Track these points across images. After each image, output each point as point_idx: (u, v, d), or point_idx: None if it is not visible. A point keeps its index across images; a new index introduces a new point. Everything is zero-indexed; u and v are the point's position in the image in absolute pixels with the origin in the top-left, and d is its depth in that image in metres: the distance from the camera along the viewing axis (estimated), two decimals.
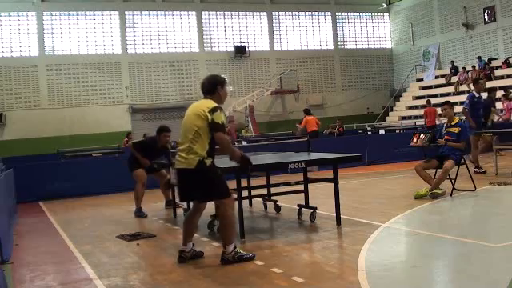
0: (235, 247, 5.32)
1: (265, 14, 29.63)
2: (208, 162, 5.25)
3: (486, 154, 11.99)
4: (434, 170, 8.68)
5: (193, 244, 5.59)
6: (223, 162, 5.80)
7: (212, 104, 5.25)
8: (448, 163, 8.35)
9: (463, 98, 22.58)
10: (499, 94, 22.60)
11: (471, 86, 24.80)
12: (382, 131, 21.62)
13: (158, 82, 27.35)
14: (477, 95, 11.97)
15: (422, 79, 29.84)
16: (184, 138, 5.30)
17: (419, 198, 8.31)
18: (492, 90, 15.02)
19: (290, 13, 30.06)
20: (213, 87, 5.41)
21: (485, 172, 10.99)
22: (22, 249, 6.89)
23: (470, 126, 10.71)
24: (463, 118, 12.23)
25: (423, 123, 19.96)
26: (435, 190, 8.33)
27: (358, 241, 5.84)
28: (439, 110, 11.88)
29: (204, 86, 5.47)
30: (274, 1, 29.67)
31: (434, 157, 8.74)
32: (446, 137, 8.72)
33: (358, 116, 29.15)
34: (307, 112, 18.64)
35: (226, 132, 5.35)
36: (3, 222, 6.42)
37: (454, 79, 26.58)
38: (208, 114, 5.16)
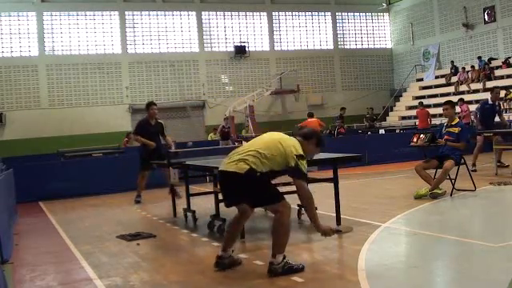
0: (284, 257, 4.96)
1: (265, 14, 29.62)
2: (258, 173, 4.97)
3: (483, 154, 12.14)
4: (434, 170, 8.68)
5: (232, 250, 5.29)
6: (221, 161, 5.78)
7: (301, 150, 4.99)
8: (448, 163, 8.35)
9: (463, 98, 22.65)
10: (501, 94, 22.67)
11: (471, 86, 25.02)
12: (382, 131, 21.62)
13: (158, 81, 27.35)
14: (490, 102, 12.14)
15: (422, 79, 29.84)
16: (252, 147, 5.06)
17: (419, 198, 8.31)
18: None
19: (290, 13, 30.06)
20: (310, 136, 5.24)
21: (474, 171, 11.16)
22: (22, 249, 6.89)
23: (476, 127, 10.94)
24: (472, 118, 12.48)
25: (416, 124, 20.06)
26: (435, 190, 8.33)
27: (358, 241, 5.84)
28: (436, 111, 12.05)
29: (304, 131, 5.42)
30: (274, 1, 29.67)
31: (433, 157, 8.74)
32: (445, 137, 8.73)
33: (358, 116, 29.14)
34: (309, 115, 19.47)
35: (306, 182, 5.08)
36: (3, 221, 6.41)
37: (454, 79, 26.58)
38: (295, 156, 4.91)
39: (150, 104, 10.84)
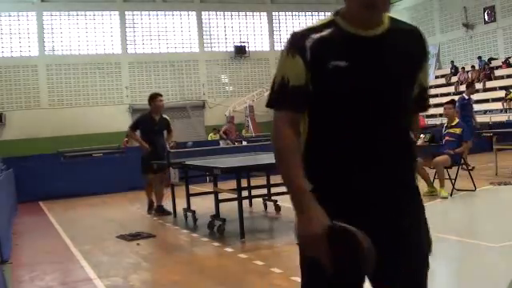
0: None
1: (265, 14, 29.64)
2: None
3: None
4: (434, 170, 8.66)
5: None
6: (222, 161, 5.78)
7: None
8: (441, 158, 8.30)
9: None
10: (499, 94, 22.67)
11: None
12: None
13: (158, 82, 27.35)
14: (466, 97, 12.07)
15: None
16: None
17: None
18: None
19: (290, 13, 30.07)
20: None
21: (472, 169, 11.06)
22: (22, 249, 6.88)
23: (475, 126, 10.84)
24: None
25: None
26: (441, 193, 8.23)
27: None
28: (436, 111, 11.95)
29: None
30: (274, 1, 29.68)
31: (434, 156, 8.72)
32: (446, 137, 8.70)
33: None
34: None
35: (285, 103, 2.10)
36: (3, 221, 6.41)
37: (454, 79, 26.56)
38: None
39: (155, 95, 8.81)
